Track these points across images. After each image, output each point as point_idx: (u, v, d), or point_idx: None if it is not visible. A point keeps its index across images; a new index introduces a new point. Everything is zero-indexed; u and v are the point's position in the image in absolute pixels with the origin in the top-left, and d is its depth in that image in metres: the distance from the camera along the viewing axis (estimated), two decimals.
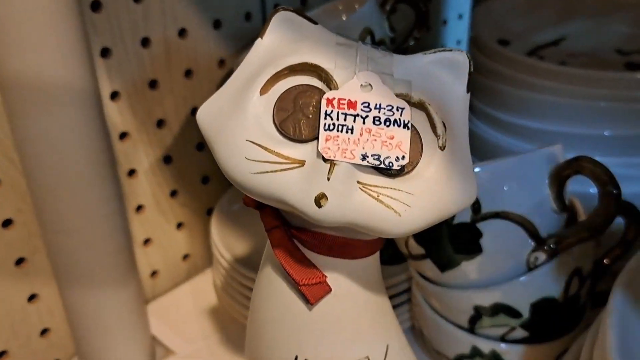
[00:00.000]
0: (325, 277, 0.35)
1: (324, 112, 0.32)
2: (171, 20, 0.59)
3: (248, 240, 0.64)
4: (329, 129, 0.31)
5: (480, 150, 0.59)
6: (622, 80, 0.55)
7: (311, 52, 0.33)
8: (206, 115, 0.34)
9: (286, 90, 0.33)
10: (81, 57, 0.46)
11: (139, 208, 0.64)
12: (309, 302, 0.35)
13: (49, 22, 0.44)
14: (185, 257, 0.70)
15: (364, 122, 0.32)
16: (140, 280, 0.61)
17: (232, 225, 0.66)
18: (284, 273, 0.35)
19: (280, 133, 0.32)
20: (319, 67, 0.33)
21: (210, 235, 0.65)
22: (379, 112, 0.32)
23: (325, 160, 0.31)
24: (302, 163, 0.31)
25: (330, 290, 0.35)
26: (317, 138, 0.32)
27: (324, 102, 0.32)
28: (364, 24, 0.53)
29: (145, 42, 0.58)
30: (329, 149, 0.31)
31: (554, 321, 0.47)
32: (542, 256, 0.45)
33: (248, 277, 0.58)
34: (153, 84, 0.60)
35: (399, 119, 0.32)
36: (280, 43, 0.34)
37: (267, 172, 0.31)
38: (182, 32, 0.60)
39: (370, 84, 0.32)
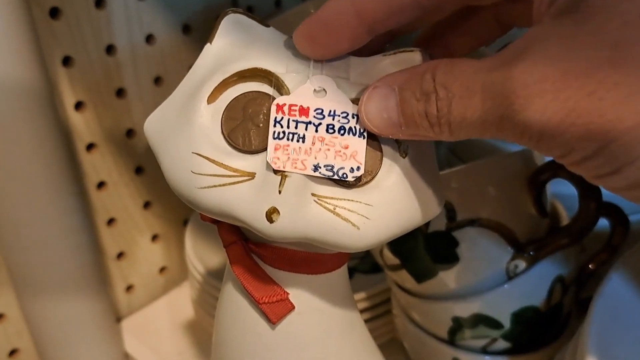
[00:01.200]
0: (287, 294, 0.33)
1: (274, 119, 0.30)
2: (137, 26, 0.57)
3: (223, 251, 0.62)
4: (278, 137, 0.29)
5: (461, 152, 0.57)
6: None
7: (261, 57, 0.31)
8: (153, 125, 0.32)
9: (235, 98, 0.31)
10: (34, 64, 0.44)
11: (111, 221, 0.62)
12: (271, 322, 0.33)
13: None
14: (162, 269, 0.68)
15: (316, 131, 0.30)
16: (111, 295, 0.60)
17: (208, 237, 0.64)
18: (244, 290, 0.33)
19: (229, 144, 0.30)
20: (269, 72, 0.31)
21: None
22: (333, 119, 0.30)
23: (276, 172, 0.29)
24: (252, 176, 0.29)
25: (293, 308, 0.33)
26: (267, 148, 0.30)
27: (273, 108, 0.30)
28: None
29: (110, 49, 0.56)
30: (278, 158, 0.29)
31: (536, 331, 0.45)
32: (522, 264, 0.43)
33: None
34: (120, 93, 0.58)
35: (354, 127, 0.30)
36: (229, 48, 0.32)
37: (215, 186, 0.29)
38: (149, 38, 0.58)
39: (324, 89, 0.30)
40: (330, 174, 0.29)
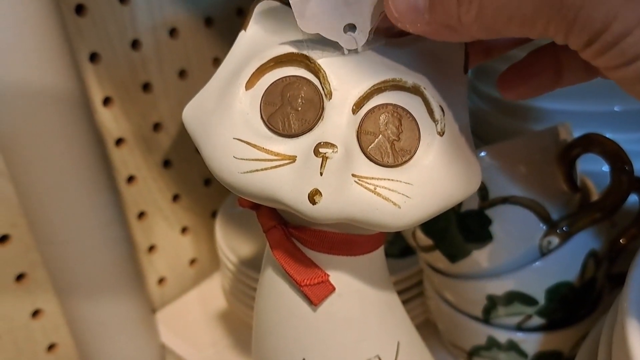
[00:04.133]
0: (328, 276, 0.33)
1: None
2: (160, 20, 0.57)
3: (254, 241, 0.63)
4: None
5: (485, 135, 0.57)
6: None
7: (297, 42, 0.31)
8: (191, 114, 0.32)
9: (273, 83, 0.31)
10: (64, 62, 0.45)
11: (141, 215, 0.62)
12: (313, 303, 0.33)
13: (24, 26, 0.42)
14: (192, 261, 0.69)
15: None
16: (146, 288, 0.60)
17: (238, 227, 0.64)
18: (285, 274, 0.34)
19: (269, 128, 0.30)
20: (306, 56, 0.31)
21: (215, 238, 0.64)
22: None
23: (317, 154, 0.29)
24: (293, 159, 0.30)
25: (333, 289, 0.33)
26: (307, 132, 0.30)
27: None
28: None
29: (135, 44, 0.56)
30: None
31: (571, 306, 0.45)
32: (555, 240, 0.43)
33: (256, 279, 0.56)
34: (146, 87, 0.59)
35: None
36: (264, 34, 0.32)
37: (257, 170, 0.30)
38: (172, 32, 0.59)
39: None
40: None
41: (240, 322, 0.62)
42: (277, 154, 0.30)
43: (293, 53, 0.31)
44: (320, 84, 0.30)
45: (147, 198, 0.62)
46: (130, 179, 0.60)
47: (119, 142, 0.58)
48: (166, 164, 0.63)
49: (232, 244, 0.61)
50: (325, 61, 0.31)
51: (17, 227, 0.52)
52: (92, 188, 0.49)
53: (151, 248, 0.64)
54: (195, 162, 0.65)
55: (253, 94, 0.31)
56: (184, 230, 0.67)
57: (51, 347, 0.59)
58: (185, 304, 0.67)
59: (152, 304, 0.65)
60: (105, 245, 0.51)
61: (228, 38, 0.63)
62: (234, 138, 0.30)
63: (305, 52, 0.31)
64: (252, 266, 0.57)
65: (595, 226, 0.44)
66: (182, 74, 0.61)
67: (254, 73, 0.31)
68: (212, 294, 0.68)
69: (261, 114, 0.31)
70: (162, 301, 0.67)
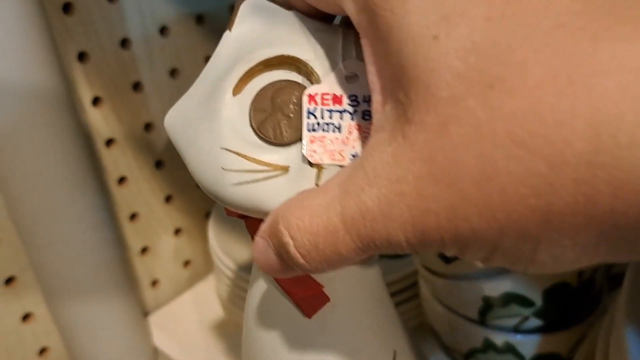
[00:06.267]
0: (322, 287, 0.32)
1: (307, 110, 0.28)
2: (150, 18, 0.56)
3: (247, 242, 0.62)
4: (313, 130, 0.28)
5: None
6: None
7: (287, 43, 0.29)
8: (174, 121, 0.30)
9: (262, 88, 0.29)
10: (50, 61, 0.44)
11: (133, 216, 0.61)
12: (307, 316, 0.32)
13: (9, 25, 0.41)
14: (186, 263, 0.68)
15: (352, 119, 0.28)
16: (138, 290, 0.59)
17: (231, 228, 0.63)
18: (276, 285, 0.32)
19: (259, 137, 0.28)
20: (297, 58, 0.29)
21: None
22: (369, 105, 0.27)
23: (312, 164, 0.28)
24: (285, 169, 0.28)
25: (328, 300, 0.32)
26: (300, 140, 0.28)
27: (305, 99, 0.28)
28: None
29: (124, 43, 0.55)
30: (314, 152, 0.27)
31: (569, 308, 0.44)
32: None
33: (248, 281, 0.55)
34: (137, 87, 0.58)
35: None
36: (251, 34, 0.30)
37: (248, 182, 0.28)
38: (163, 30, 0.58)
39: (356, 74, 0.28)
40: None
41: (234, 324, 0.62)
42: (268, 164, 0.28)
43: (283, 56, 0.29)
44: None
45: (139, 199, 0.61)
46: (122, 180, 0.59)
47: (110, 142, 0.57)
48: (158, 164, 0.62)
49: (226, 246, 0.60)
50: (318, 63, 0.29)
51: (5, 230, 0.51)
52: (81, 190, 0.48)
53: (144, 250, 0.64)
54: None
55: (241, 99, 0.29)
56: (177, 231, 0.66)
57: (42, 351, 0.58)
58: (178, 307, 0.66)
59: (145, 307, 0.64)
60: (95, 248, 0.50)
61: (220, 36, 0.62)
62: (222, 148, 0.28)
63: (296, 55, 0.29)
64: (245, 269, 0.56)
65: None
66: (173, 72, 0.60)
67: (242, 77, 0.29)
68: (206, 296, 0.67)
69: (250, 121, 0.29)
70: (156, 304, 0.66)
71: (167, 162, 0.62)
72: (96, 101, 0.55)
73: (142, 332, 0.57)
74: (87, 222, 0.49)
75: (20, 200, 0.47)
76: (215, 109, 0.28)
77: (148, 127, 0.60)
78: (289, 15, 0.30)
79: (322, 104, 0.28)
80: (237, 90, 0.29)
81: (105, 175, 0.57)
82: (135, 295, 0.56)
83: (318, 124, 0.28)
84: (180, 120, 0.30)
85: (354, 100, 0.28)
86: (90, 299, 0.52)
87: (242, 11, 0.30)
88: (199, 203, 0.67)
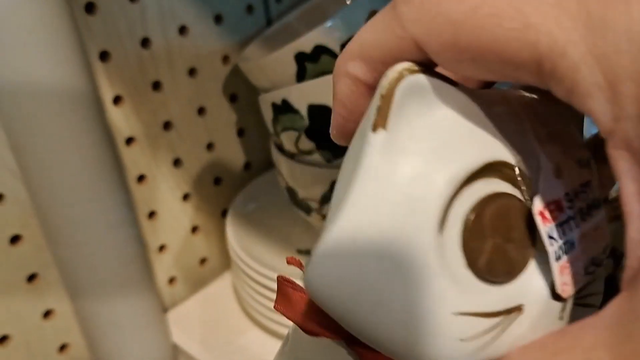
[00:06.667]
0: None
1: (546, 235, 0.20)
2: (170, 18, 0.57)
3: (265, 239, 0.62)
4: (559, 258, 0.21)
5: None
6: None
7: (478, 141, 0.21)
8: (332, 282, 0.20)
9: (471, 215, 0.20)
10: (75, 61, 0.45)
11: (152, 214, 0.62)
12: None
13: (37, 25, 0.42)
14: (203, 261, 0.69)
15: (577, 225, 0.21)
16: (157, 288, 0.60)
17: (248, 226, 0.64)
18: None
19: (486, 279, 0.20)
20: (503, 162, 0.21)
21: (226, 237, 0.63)
22: (578, 198, 0.22)
23: (556, 297, 0.21)
24: (520, 309, 0.21)
25: None
26: (528, 266, 0.21)
27: (539, 220, 0.21)
28: (369, 6, 0.51)
29: (145, 42, 0.56)
30: (566, 284, 0.21)
31: None
32: None
33: (267, 277, 0.56)
34: (156, 86, 0.58)
35: (597, 198, 0.22)
36: (417, 134, 0.20)
37: (488, 343, 0.20)
38: (182, 30, 0.58)
39: (559, 166, 0.22)
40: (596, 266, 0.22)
41: (251, 320, 0.62)
42: (506, 312, 0.21)
43: (490, 163, 0.21)
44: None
45: (158, 197, 0.62)
46: (141, 178, 0.60)
47: (129, 141, 0.58)
48: (176, 162, 0.62)
49: (244, 243, 0.61)
50: (522, 163, 0.21)
51: (29, 228, 0.52)
52: (104, 188, 0.48)
53: (161, 247, 0.64)
54: (205, 160, 0.65)
55: (447, 236, 0.20)
56: (194, 229, 0.67)
57: (63, 348, 0.58)
58: (196, 304, 0.66)
59: (162, 304, 0.65)
60: (117, 246, 0.51)
61: (238, 35, 0.63)
62: (453, 313, 0.20)
63: (500, 157, 0.21)
64: (263, 264, 0.57)
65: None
66: (191, 72, 0.60)
67: (443, 207, 0.20)
68: (223, 293, 0.67)
69: (468, 261, 0.20)
70: (173, 301, 0.67)
71: (185, 160, 0.63)
72: (117, 100, 0.55)
73: (162, 329, 0.58)
74: (110, 220, 0.50)
75: (46, 198, 0.47)
76: (414, 260, 0.19)
77: (167, 125, 0.60)
78: (460, 94, 0.21)
79: (553, 219, 0.21)
80: (441, 226, 0.20)
81: (125, 174, 0.57)
82: (156, 293, 0.57)
83: (560, 247, 0.21)
84: (342, 282, 0.19)
85: (569, 200, 0.21)
86: (111, 296, 0.53)
87: (400, 99, 0.20)
88: (215, 201, 0.68)
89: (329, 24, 0.48)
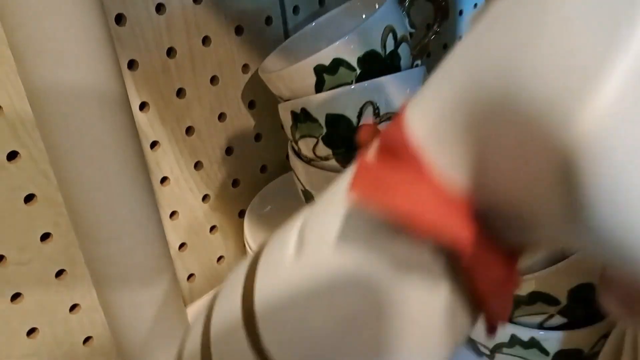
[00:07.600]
0: None
1: None
2: (194, 29, 0.59)
3: None
4: None
5: None
6: None
7: None
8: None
9: None
10: (111, 68, 0.47)
11: (173, 214, 0.65)
12: None
13: (78, 33, 0.44)
14: (220, 258, 0.71)
15: None
16: (178, 283, 0.62)
17: (264, 226, 0.66)
18: None
19: None
20: None
21: (243, 236, 0.66)
22: None
23: None
24: None
25: None
26: None
27: None
28: (385, 22, 0.53)
29: (170, 52, 0.59)
30: None
31: (592, 306, 0.47)
32: None
33: None
34: (180, 93, 0.61)
35: None
36: None
37: None
38: (205, 40, 0.61)
39: None
40: None
41: None
42: None
43: None
44: None
45: (179, 198, 0.65)
46: (163, 180, 0.63)
47: (154, 144, 0.60)
48: (197, 165, 0.65)
49: (259, 242, 0.63)
50: None
51: (59, 226, 0.55)
52: (134, 187, 0.51)
53: (181, 246, 0.67)
54: (224, 164, 0.68)
55: None
56: (212, 228, 0.69)
57: (87, 340, 0.61)
58: None
59: (182, 299, 0.68)
60: (144, 243, 0.53)
61: (257, 45, 0.65)
62: None
63: None
64: None
65: None
66: (213, 79, 0.63)
67: None
68: None
69: None
70: (191, 296, 0.69)
71: (205, 163, 0.66)
72: (142, 106, 0.58)
73: (184, 323, 0.60)
74: (138, 219, 0.52)
75: (79, 198, 0.50)
76: None
77: (189, 130, 0.63)
78: None
79: None
80: None
81: (149, 176, 0.60)
82: (179, 289, 0.59)
83: None
84: None
85: None
86: (136, 292, 0.55)
87: None
88: (232, 203, 0.70)
89: (346, 38, 0.51)
